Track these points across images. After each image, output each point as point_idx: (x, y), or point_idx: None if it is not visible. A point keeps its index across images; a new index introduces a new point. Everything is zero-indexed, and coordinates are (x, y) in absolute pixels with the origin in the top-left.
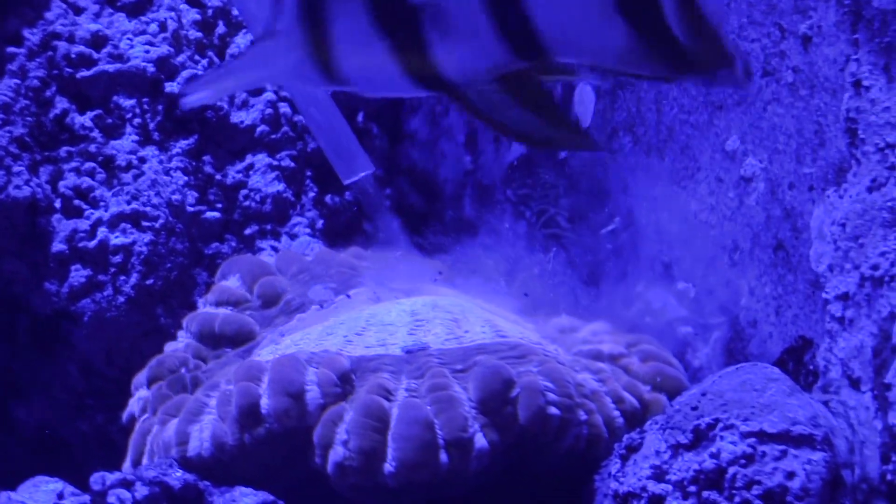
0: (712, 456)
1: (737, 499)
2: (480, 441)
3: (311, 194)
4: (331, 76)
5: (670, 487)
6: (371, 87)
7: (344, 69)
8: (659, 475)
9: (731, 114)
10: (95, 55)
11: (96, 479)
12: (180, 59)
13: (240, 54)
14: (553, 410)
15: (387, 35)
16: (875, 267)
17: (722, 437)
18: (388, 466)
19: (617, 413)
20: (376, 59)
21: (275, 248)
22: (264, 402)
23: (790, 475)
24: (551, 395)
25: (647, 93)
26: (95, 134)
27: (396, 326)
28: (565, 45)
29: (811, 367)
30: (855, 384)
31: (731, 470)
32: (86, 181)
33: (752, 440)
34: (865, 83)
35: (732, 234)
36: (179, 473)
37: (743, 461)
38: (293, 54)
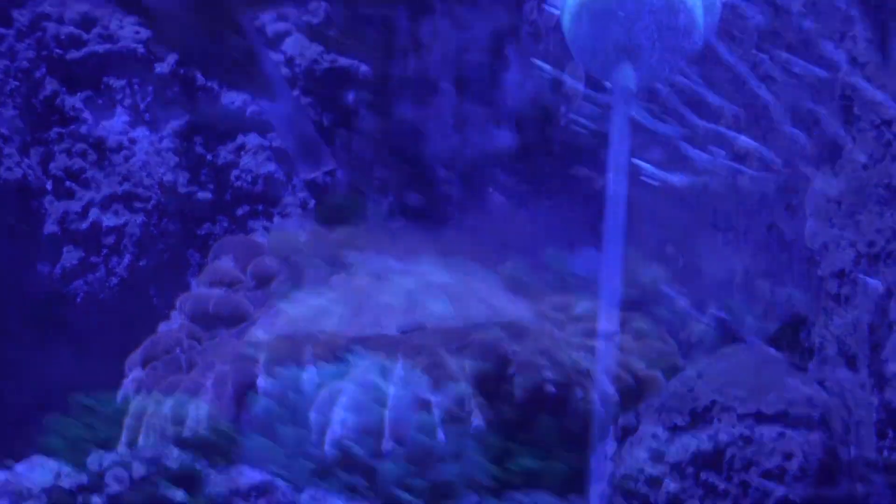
0: (710, 438)
1: (735, 479)
2: (477, 418)
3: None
4: None
5: (667, 469)
6: None
7: None
8: (656, 457)
9: (726, 92)
10: (85, 36)
11: (93, 459)
12: None
13: None
14: (549, 388)
15: None
16: (871, 244)
17: (719, 419)
18: (386, 444)
19: (613, 390)
20: None
21: (266, 229)
22: (261, 382)
23: (788, 455)
24: (548, 373)
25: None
26: (86, 115)
27: (392, 306)
28: None
29: (807, 345)
30: (851, 361)
31: (729, 451)
32: (77, 162)
33: (749, 421)
34: (861, 60)
35: (726, 211)
36: (176, 453)
37: (741, 442)
38: None
